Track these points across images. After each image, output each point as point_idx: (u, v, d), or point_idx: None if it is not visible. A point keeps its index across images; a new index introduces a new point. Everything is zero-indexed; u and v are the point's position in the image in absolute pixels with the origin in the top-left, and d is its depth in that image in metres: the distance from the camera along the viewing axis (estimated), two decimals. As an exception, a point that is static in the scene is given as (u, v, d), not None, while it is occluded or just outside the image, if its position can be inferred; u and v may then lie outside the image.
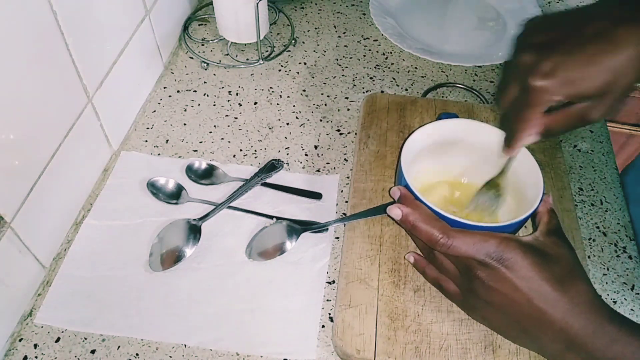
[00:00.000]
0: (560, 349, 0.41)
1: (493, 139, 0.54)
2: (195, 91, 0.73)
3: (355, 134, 0.68)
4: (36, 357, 0.49)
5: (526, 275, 0.41)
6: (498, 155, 0.50)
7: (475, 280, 0.43)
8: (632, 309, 0.54)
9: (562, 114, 0.42)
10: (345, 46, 0.81)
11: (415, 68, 0.77)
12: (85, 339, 0.50)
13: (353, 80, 0.75)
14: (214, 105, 0.71)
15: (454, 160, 0.57)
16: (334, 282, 0.55)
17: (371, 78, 0.76)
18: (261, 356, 0.50)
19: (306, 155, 0.66)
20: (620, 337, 0.39)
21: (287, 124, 0.69)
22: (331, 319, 0.52)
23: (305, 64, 0.77)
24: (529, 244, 0.43)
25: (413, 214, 0.44)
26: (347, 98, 0.73)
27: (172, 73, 0.75)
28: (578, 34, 0.40)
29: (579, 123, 0.43)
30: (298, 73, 0.76)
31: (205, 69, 0.75)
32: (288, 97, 0.73)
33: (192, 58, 0.77)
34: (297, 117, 0.70)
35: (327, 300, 0.53)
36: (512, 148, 0.46)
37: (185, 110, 0.70)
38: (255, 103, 0.71)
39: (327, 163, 0.65)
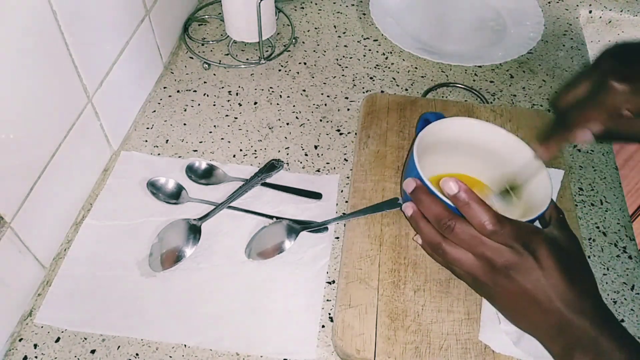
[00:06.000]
0: (555, 334, 0.42)
1: (501, 140, 0.54)
2: (195, 91, 0.73)
3: (355, 134, 0.68)
4: (36, 357, 0.49)
5: (548, 267, 0.42)
6: (526, 164, 0.50)
7: (497, 270, 0.43)
8: (632, 309, 0.54)
9: (627, 120, 0.43)
10: (345, 46, 0.81)
11: (415, 68, 0.77)
12: (85, 339, 0.50)
13: (353, 80, 0.75)
14: (214, 105, 0.71)
15: (462, 158, 0.57)
16: (334, 282, 0.55)
17: (371, 78, 0.76)
18: (261, 356, 0.50)
19: (306, 155, 0.66)
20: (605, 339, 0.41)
21: (287, 124, 0.69)
22: (331, 319, 0.52)
23: (305, 64, 0.77)
24: (552, 238, 0.44)
25: (470, 191, 0.44)
26: (347, 98, 0.73)
27: (172, 73, 0.75)
28: None
29: (638, 134, 0.43)
30: (298, 73, 0.76)
31: (207, 69, 0.75)
32: (288, 97, 0.73)
33: (192, 58, 0.77)
34: (297, 117, 0.70)
35: (327, 300, 0.53)
36: (558, 140, 0.46)
37: (185, 110, 0.70)
38: (255, 103, 0.71)
39: (327, 163, 0.65)
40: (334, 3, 0.88)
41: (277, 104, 0.71)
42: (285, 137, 0.67)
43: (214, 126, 0.68)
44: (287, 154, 0.66)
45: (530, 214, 0.47)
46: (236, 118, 0.69)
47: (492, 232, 0.42)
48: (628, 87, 0.41)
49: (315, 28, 0.83)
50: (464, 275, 0.47)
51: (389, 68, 0.77)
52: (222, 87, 0.73)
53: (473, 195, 0.44)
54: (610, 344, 0.40)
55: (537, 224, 0.49)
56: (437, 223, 0.46)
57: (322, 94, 0.73)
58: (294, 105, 0.71)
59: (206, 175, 0.62)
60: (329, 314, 0.53)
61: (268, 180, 0.62)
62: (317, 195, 0.61)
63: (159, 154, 0.65)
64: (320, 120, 0.70)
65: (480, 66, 0.78)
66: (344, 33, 0.83)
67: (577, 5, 0.91)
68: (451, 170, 0.57)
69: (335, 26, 0.84)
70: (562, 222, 0.47)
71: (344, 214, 0.60)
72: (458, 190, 0.44)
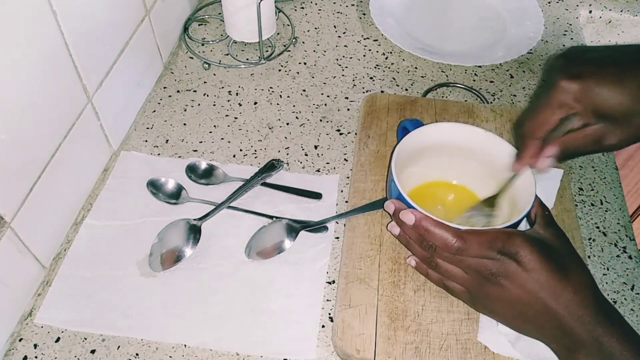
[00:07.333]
0: (559, 335, 0.42)
1: (482, 141, 0.54)
2: (195, 91, 0.73)
3: (355, 134, 0.68)
4: (36, 357, 0.49)
5: (534, 268, 0.41)
6: (502, 172, 0.50)
7: (487, 279, 0.43)
8: (632, 309, 0.54)
9: (578, 133, 0.43)
10: (345, 46, 0.81)
11: (415, 68, 0.77)
12: (85, 338, 0.50)
13: (353, 80, 0.75)
14: (214, 105, 0.71)
15: (444, 163, 0.57)
16: (334, 282, 0.55)
17: (371, 78, 0.76)
18: (261, 356, 0.50)
19: (306, 155, 0.66)
20: (607, 331, 0.40)
21: (287, 124, 0.69)
22: (331, 319, 0.52)
23: (305, 64, 0.77)
24: (534, 238, 0.43)
25: (426, 219, 0.44)
26: (347, 98, 0.73)
27: (172, 73, 0.75)
28: (615, 62, 0.41)
29: (594, 146, 0.43)
30: (298, 73, 0.76)
31: (207, 69, 0.75)
32: (288, 97, 0.73)
33: (192, 58, 0.77)
34: (297, 117, 0.70)
35: (327, 300, 0.53)
36: (522, 158, 0.47)
37: (185, 110, 0.70)
38: (255, 103, 0.72)
39: (327, 163, 0.65)
40: (334, 3, 0.88)
41: (277, 104, 0.71)
42: (285, 137, 0.67)
43: (214, 126, 0.68)
44: (287, 154, 0.66)
45: (515, 216, 0.47)
46: (236, 118, 0.69)
47: (458, 249, 0.42)
48: (575, 85, 0.41)
49: (315, 28, 0.83)
50: (460, 293, 0.47)
51: (389, 68, 0.77)
52: (222, 87, 0.73)
53: (430, 220, 0.44)
54: (614, 343, 0.39)
55: (525, 223, 0.48)
56: (420, 244, 0.46)
57: (322, 94, 0.73)
58: (294, 105, 0.71)
59: (206, 175, 0.62)
60: (329, 314, 0.53)
61: (268, 180, 0.62)
62: (317, 195, 0.61)
63: (159, 154, 0.65)
64: (320, 120, 0.70)
65: (480, 66, 0.78)
66: (344, 33, 0.83)
67: (577, 5, 0.91)
68: (437, 178, 0.57)
69: (335, 26, 0.84)
70: (548, 219, 0.46)
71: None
72: (415, 219, 0.44)
